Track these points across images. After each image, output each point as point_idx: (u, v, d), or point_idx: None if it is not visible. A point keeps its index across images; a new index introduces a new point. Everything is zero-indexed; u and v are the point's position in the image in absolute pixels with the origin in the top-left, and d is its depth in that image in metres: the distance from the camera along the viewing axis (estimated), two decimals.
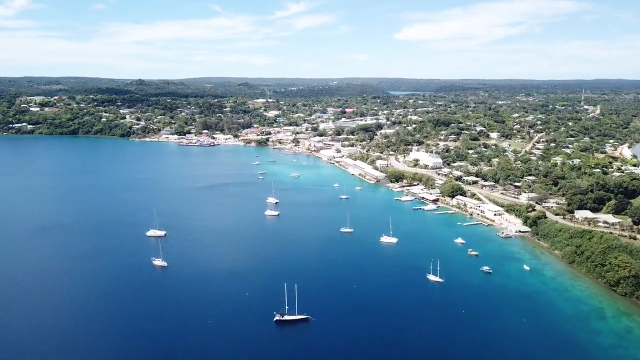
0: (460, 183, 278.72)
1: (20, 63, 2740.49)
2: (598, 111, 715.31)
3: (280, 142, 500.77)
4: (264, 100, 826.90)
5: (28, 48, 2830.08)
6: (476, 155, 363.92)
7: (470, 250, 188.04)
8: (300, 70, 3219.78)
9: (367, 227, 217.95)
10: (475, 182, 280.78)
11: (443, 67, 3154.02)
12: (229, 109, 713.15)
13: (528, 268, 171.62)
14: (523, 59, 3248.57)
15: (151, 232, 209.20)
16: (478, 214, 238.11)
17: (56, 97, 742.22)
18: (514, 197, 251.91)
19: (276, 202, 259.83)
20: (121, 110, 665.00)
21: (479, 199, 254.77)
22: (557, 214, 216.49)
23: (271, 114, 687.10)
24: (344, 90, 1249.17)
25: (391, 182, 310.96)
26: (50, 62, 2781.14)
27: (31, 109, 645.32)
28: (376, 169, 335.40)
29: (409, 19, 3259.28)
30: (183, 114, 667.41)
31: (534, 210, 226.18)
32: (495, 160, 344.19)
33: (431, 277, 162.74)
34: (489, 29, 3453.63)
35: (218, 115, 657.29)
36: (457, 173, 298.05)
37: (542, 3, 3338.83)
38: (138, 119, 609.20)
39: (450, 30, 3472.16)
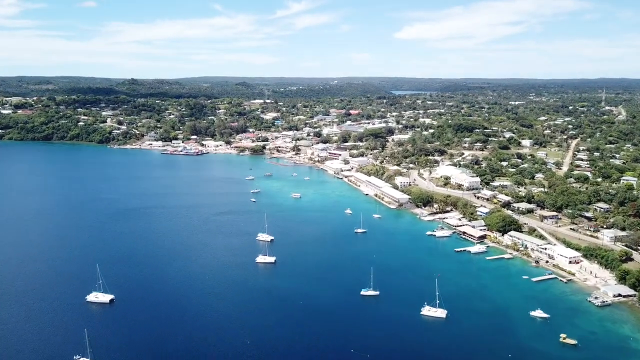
0: (510, 212, 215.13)
1: (20, 62, 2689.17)
2: (623, 113, 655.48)
3: (278, 150, 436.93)
4: (262, 101, 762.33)
5: (29, 47, 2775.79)
6: (514, 170, 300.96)
7: (563, 336, 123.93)
8: (300, 69, 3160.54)
9: (399, 287, 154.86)
10: (530, 211, 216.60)
11: (444, 67, 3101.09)
12: (222, 110, 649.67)
13: None
14: (524, 58, 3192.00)
15: (93, 296, 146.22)
16: (547, 261, 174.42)
17: (35, 98, 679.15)
18: (591, 235, 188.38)
19: (271, 240, 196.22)
20: (103, 113, 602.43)
21: (542, 236, 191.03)
22: None
23: (269, 116, 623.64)
24: (345, 90, 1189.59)
25: (417, 206, 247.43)
26: (53, 61, 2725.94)
27: (3, 111, 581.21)
28: (396, 188, 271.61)
29: (410, 17, 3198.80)
30: (172, 116, 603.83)
31: (629, 259, 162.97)
32: (539, 177, 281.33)
33: None
34: (490, 28, 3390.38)
35: (210, 118, 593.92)
36: (504, 197, 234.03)
37: (544, 2, 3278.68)
38: (120, 123, 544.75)
39: (451, 29, 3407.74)
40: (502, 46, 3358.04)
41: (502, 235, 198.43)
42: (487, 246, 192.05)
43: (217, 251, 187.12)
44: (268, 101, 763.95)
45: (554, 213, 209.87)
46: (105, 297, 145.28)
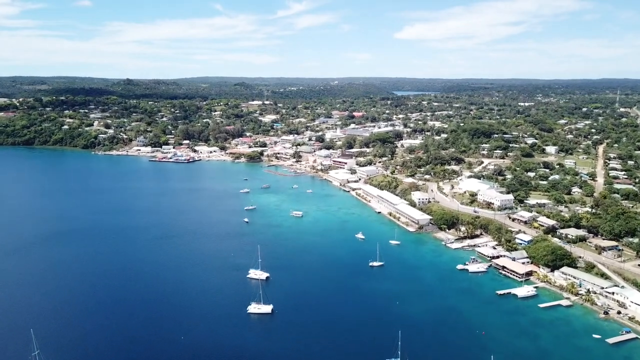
0: (559, 241, 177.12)
1: (20, 63, 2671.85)
2: None
3: (277, 157, 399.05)
4: (260, 102, 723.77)
5: (30, 47, 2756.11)
6: (546, 182, 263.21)
7: None
8: (300, 69, 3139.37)
9: (434, 355, 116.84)
10: (582, 240, 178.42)
11: (444, 66, 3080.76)
12: (219, 112, 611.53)
13: None
14: (524, 57, 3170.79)
15: None
16: (618, 312, 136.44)
17: (21, 99, 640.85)
18: None
19: (266, 278, 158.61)
20: (92, 115, 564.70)
21: (604, 275, 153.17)
22: None
23: (268, 118, 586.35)
24: (346, 91, 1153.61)
25: (440, 229, 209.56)
26: (53, 61, 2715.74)
27: None
28: (413, 205, 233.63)
29: (410, 17, 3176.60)
30: (164, 119, 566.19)
31: None
32: (577, 191, 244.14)
33: None
34: (490, 28, 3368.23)
35: (205, 120, 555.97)
36: (546, 220, 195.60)
37: (544, 2, 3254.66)
38: (107, 126, 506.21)
39: (451, 29, 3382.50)
40: (503, 46, 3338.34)
41: (552, 271, 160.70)
42: (536, 287, 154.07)
43: (198, 295, 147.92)
44: (267, 102, 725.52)
45: (614, 243, 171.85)
46: None
